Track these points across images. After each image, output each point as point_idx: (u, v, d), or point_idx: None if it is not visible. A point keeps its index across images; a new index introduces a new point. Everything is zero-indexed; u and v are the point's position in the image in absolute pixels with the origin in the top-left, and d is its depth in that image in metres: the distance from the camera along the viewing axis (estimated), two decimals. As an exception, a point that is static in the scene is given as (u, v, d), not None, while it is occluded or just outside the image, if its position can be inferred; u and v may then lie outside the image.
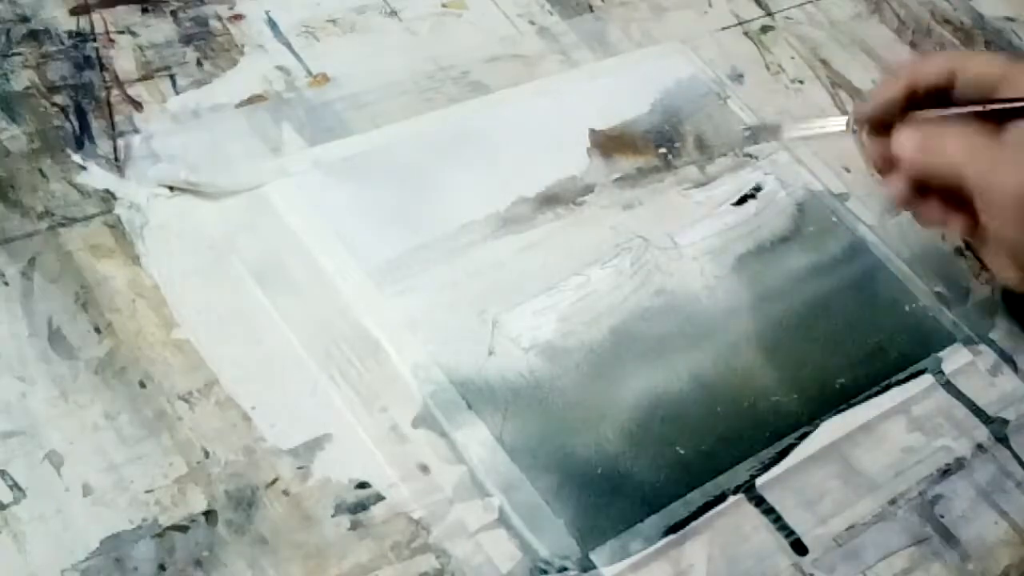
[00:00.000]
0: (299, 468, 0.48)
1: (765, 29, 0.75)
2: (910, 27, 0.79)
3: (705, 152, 0.66)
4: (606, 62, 0.69)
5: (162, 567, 0.44)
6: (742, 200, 0.64)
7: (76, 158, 0.54)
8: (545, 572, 0.47)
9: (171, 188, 0.54)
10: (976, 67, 0.51)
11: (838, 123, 0.56)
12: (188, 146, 0.56)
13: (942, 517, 0.54)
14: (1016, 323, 0.54)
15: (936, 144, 0.49)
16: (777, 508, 0.52)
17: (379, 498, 0.48)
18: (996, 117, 0.49)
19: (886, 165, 0.53)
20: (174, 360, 0.49)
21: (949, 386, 0.59)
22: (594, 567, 0.48)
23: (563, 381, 0.53)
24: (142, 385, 0.48)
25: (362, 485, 0.48)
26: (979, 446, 0.57)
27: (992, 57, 0.53)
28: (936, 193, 0.51)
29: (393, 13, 0.67)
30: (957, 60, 0.52)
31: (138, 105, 0.57)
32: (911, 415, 0.58)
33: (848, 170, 0.68)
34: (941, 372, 0.59)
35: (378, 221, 0.56)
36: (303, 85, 0.61)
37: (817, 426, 0.55)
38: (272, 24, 0.63)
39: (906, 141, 0.50)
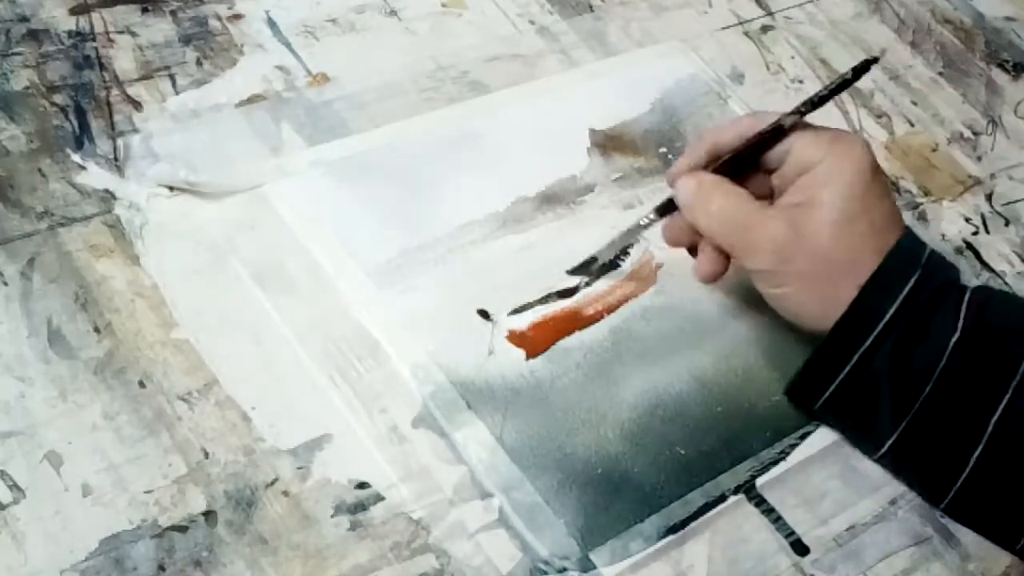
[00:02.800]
0: (299, 468, 0.48)
1: (765, 29, 0.75)
2: (910, 27, 0.79)
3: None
4: (606, 62, 0.69)
5: (162, 567, 0.44)
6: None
7: (76, 158, 0.54)
8: (545, 572, 0.47)
9: (171, 188, 0.54)
10: (724, 140, 0.54)
11: (643, 219, 0.56)
12: (188, 146, 0.56)
13: (942, 517, 0.54)
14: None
15: (701, 217, 0.53)
16: (777, 508, 0.52)
17: (379, 498, 0.48)
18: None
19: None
20: (174, 360, 0.49)
21: (949, 386, 0.59)
22: (594, 567, 0.48)
23: (563, 381, 0.53)
24: (141, 385, 0.48)
25: (362, 485, 0.48)
26: (979, 446, 0.57)
27: (732, 123, 0.55)
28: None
29: (393, 13, 0.67)
30: (746, 123, 0.54)
31: (138, 105, 0.57)
32: (911, 415, 0.57)
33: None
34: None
35: (378, 221, 0.56)
36: (303, 85, 0.61)
37: (817, 426, 0.55)
38: (272, 24, 0.63)
39: (683, 189, 0.53)
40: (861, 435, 0.54)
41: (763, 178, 0.54)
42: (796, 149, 0.52)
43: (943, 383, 0.50)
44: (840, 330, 0.51)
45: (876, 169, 0.52)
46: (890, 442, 0.51)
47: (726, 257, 0.53)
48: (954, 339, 0.50)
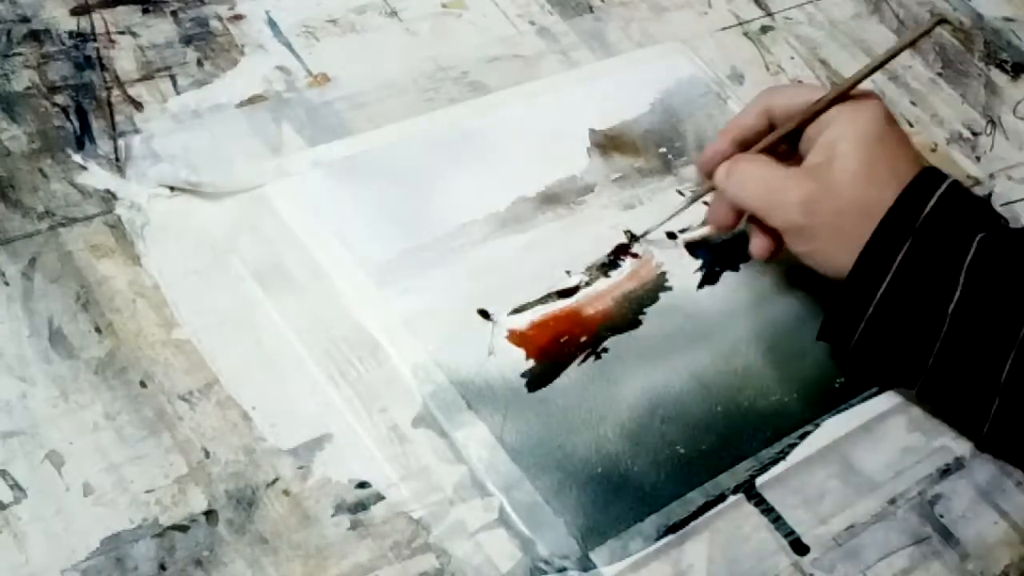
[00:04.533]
0: (299, 468, 0.48)
1: (765, 29, 0.75)
2: (910, 27, 0.79)
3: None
4: (606, 62, 0.69)
5: (162, 567, 0.44)
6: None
7: (76, 158, 0.54)
8: (545, 572, 0.48)
9: (171, 188, 0.54)
10: (781, 101, 0.57)
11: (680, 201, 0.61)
12: (188, 146, 0.56)
13: (942, 517, 0.54)
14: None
15: (734, 186, 0.56)
16: (777, 508, 0.52)
17: (379, 498, 0.48)
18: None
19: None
20: (174, 360, 0.49)
21: (949, 386, 0.59)
22: (594, 567, 0.48)
23: (563, 381, 0.53)
24: (142, 385, 0.48)
25: (362, 485, 0.48)
26: (979, 446, 0.58)
27: (796, 88, 0.60)
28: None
29: (393, 13, 0.67)
30: (763, 99, 0.58)
31: (138, 105, 0.57)
32: (911, 415, 0.58)
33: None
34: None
35: (378, 221, 0.56)
36: (303, 85, 0.61)
37: (817, 426, 0.55)
38: (272, 24, 0.63)
39: (718, 173, 0.57)
40: (897, 371, 0.55)
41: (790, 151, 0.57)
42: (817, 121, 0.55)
43: (961, 313, 0.51)
44: (859, 269, 0.52)
45: (890, 118, 0.55)
46: (924, 377, 0.53)
47: (773, 235, 0.56)
48: (966, 263, 0.51)
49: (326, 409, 0.50)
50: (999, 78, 0.79)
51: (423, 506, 0.48)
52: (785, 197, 0.53)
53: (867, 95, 0.56)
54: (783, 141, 0.57)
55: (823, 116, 0.55)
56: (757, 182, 0.55)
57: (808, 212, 0.53)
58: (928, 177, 0.53)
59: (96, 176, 0.54)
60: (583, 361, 0.54)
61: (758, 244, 0.56)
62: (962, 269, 0.51)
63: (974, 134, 0.74)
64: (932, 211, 0.52)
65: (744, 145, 0.57)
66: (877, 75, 0.74)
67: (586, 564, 0.48)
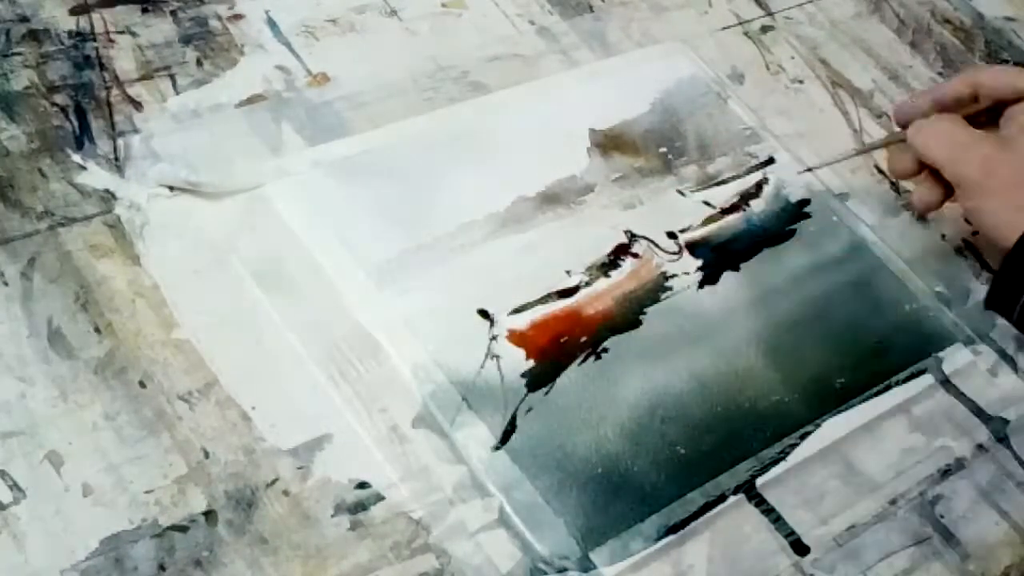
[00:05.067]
0: (299, 468, 0.48)
1: (765, 29, 0.75)
2: (910, 27, 0.79)
3: (705, 152, 0.66)
4: (606, 62, 0.68)
5: (162, 567, 0.44)
6: (743, 199, 0.64)
7: (76, 158, 0.54)
8: (545, 572, 0.47)
9: (171, 188, 0.54)
10: (990, 77, 0.61)
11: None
12: (188, 146, 0.56)
13: (942, 517, 0.54)
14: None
15: (925, 136, 0.60)
16: (777, 508, 0.52)
17: (379, 498, 0.48)
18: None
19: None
20: (174, 360, 0.49)
21: (949, 386, 0.59)
22: (594, 567, 0.48)
23: (563, 381, 0.53)
24: (142, 385, 0.48)
25: (362, 485, 0.48)
26: (979, 446, 0.57)
27: (1007, 70, 0.63)
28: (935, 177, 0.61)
29: (393, 13, 0.67)
30: (973, 73, 0.63)
31: (138, 105, 0.57)
32: (911, 415, 0.58)
33: (851, 171, 0.68)
34: (941, 372, 0.59)
35: (378, 221, 0.56)
36: (303, 85, 0.61)
37: (818, 426, 0.55)
38: (272, 24, 0.63)
39: (912, 128, 0.61)
40: None
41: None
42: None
43: None
44: None
45: None
46: None
47: (942, 190, 0.60)
48: None
49: (326, 409, 0.50)
50: (999, 78, 0.78)
51: (423, 506, 0.48)
52: (968, 153, 0.57)
53: None
54: (984, 115, 0.61)
55: (1017, 85, 0.59)
56: (946, 136, 0.59)
57: (986, 171, 0.56)
58: None
59: (95, 176, 0.54)
60: (583, 361, 0.54)
61: (924, 194, 0.61)
62: None
63: (974, 134, 0.74)
64: None
65: (942, 108, 0.61)
66: (878, 75, 0.75)
67: (586, 564, 0.48)
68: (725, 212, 0.63)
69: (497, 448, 0.50)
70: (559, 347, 0.54)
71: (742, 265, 0.61)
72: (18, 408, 0.46)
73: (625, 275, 0.58)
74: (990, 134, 0.59)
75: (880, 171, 0.69)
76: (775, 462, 0.53)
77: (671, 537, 0.50)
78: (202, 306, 0.51)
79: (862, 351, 0.59)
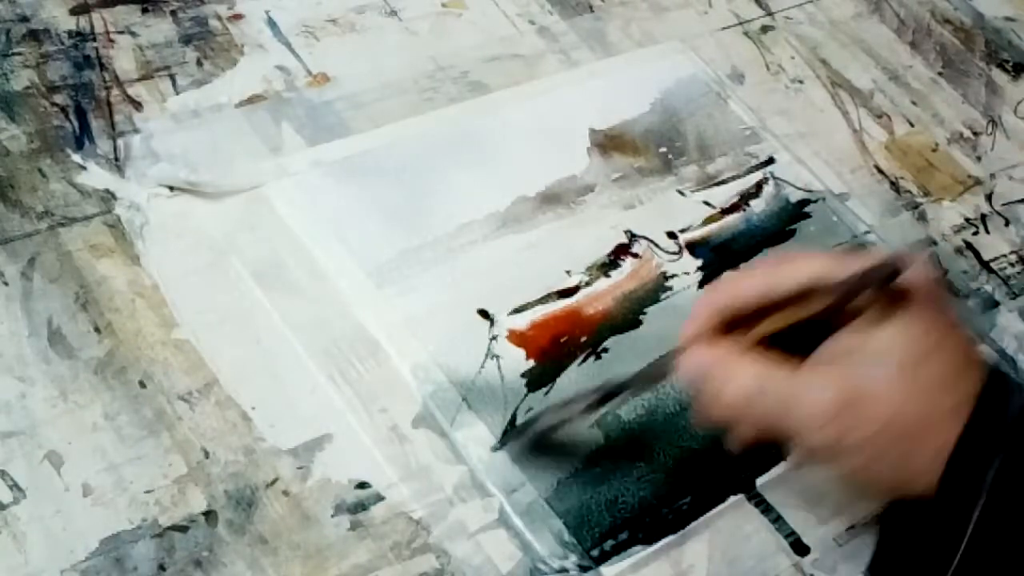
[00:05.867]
0: (299, 468, 0.48)
1: (765, 29, 0.75)
2: (910, 27, 0.79)
3: (705, 152, 0.66)
4: (606, 62, 0.68)
5: (162, 567, 0.44)
6: (743, 199, 0.64)
7: (76, 158, 0.54)
8: (545, 572, 0.47)
9: (171, 188, 0.54)
10: (788, 278, 0.44)
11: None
12: (188, 146, 0.56)
13: None
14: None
15: (716, 382, 0.44)
16: (777, 508, 0.52)
17: (379, 498, 0.48)
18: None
19: None
20: (174, 360, 0.49)
21: (949, 386, 0.59)
22: (594, 567, 0.48)
23: (563, 381, 0.53)
24: (142, 385, 0.48)
25: (362, 485, 0.48)
26: (979, 446, 0.57)
27: (807, 260, 0.45)
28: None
29: (393, 13, 0.67)
30: (766, 277, 0.45)
31: (138, 105, 0.57)
32: (911, 415, 0.57)
33: (850, 171, 0.68)
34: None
35: (378, 221, 0.56)
36: (303, 85, 0.61)
37: (817, 426, 0.55)
38: (272, 24, 0.63)
39: (685, 365, 0.45)
40: None
41: None
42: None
43: None
44: (946, 489, 0.42)
45: (942, 293, 0.44)
46: None
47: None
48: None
49: (326, 409, 0.50)
50: (1000, 78, 0.78)
51: (423, 506, 0.48)
52: (805, 411, 0.42)
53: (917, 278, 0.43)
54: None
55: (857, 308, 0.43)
56: (753, 391, 0.43)
57: (841, 430, 0.42)
58: (998, 380, 0.43)
59: (95, 176, 0.54)
60: (583, 361, 0.54)
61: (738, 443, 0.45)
62: None
63: (975, 134, 0.74)
64: (1018, 417, 0.42)
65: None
66: (878, 75, 0.75)
67: (586, 564, 0.48)
68: (725, 212, 0.63)
69: (497, 448, 0.50)
70: (559, 347, 0.54)
71: (742, 265, 0.61)
72: (18, 408, 0.46)
73: (625, 275, 0.58)
74: (806, 369, 0.43)
75: (880, 171, 0.69)
76: (775, 462, 0.53)
77: (671, 537, 0.50)
78: (202, 306, 0.51)
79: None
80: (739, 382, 0.43)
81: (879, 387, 0.42)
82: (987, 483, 0.41)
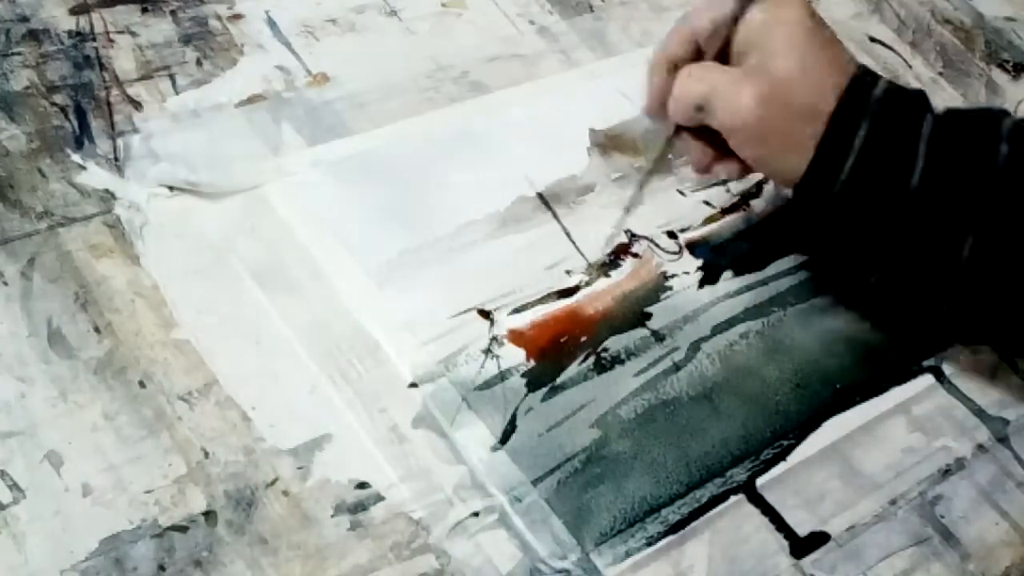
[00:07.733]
0: (299, 468, 0.48)
1: (765, 29, 0.75)
2: (910, 27, 0.79)
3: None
4: (606, 62, 0.68)
5: (162, 567, 0.44)
6: (743, 199, 0.64)
7: (76, 158, 0.54)
8: (545, 572, 0.47)
9: (171, 188, 0.54)
10: (702, 21, 0.53)
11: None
12: (188, 146, 0.56)
13: (942, 517, 0.54)
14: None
15: (685, 86, 0.53)
16: (777, 508, 0.52)
17: (379, 498, 0.48)
18: None
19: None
20: (174, 360, 0.49)
21: (949, 386, 0.59)
22: (594, 567, 0.48)
23: (564, 380, 0.53)
24: (142, 385, 0.48)
25: (362, 485, 0.48)
26: (979, 446, 0.57)
27: (710, 3, 0.54)
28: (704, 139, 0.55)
29: (393, 13, 0.67)
30: (683, 26, 0.54)
31: (138, 105, 0.57)
32: (911, 415, 0.58)
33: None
34: (941, 372, 0.59)
35: (378, 221, 0.56)
36: (303, 85, 0.61)
37: (817, 426, 0.55)
38: (272, 24, 0.63)
39: (674, 92, 0.54)
40: (859, 260, 0.54)
41: None
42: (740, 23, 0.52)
43: (923, 188, 0.50)
44: (819, 159, 0.51)
45: (813, 15, 0.52)
46: (884, 263, 0.52)
47: (716, 147, 0.54)
48: (924, 138, 0.50)
49: (326, 409, 0.50)
50: (1000, 78, 0.78)
51: (423, 506, 0.48)
52: (736, 96, 0.51)
53: None
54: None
55: (745, 22, 0.52)
56: (706, 84, 0.52)
57: (760, 112, 0.51)
58: (866, 71, 0.52)
59: (95, 176, 0.54)
60: (583, 361, 0.54)
61: (698, 154, 0.55)
62: (920, 142, 0.50)
63: (975, 134, 0.74)
64: (882, 97, 0.51)
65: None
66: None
67: (586, 564, 0.48)
68: (725, 212, 0.63)
69: (497, 448, 0.50)
70: (559, 347, 0.54)
71: (743, 264, 0.61)
72: (17, 408, 0.46)
73: (625, 275, 0.58)
74: (742, 71, 0.52)
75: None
76: (775, 462, 0.53)
77: (671, 537, 0.50)
78: (202, 306, 0.51)
79: (862, 351, 0.59)
80: (700, 75, 0.53)
81: (785, 79, 0.51)
82: (854, 150, 0.50)
